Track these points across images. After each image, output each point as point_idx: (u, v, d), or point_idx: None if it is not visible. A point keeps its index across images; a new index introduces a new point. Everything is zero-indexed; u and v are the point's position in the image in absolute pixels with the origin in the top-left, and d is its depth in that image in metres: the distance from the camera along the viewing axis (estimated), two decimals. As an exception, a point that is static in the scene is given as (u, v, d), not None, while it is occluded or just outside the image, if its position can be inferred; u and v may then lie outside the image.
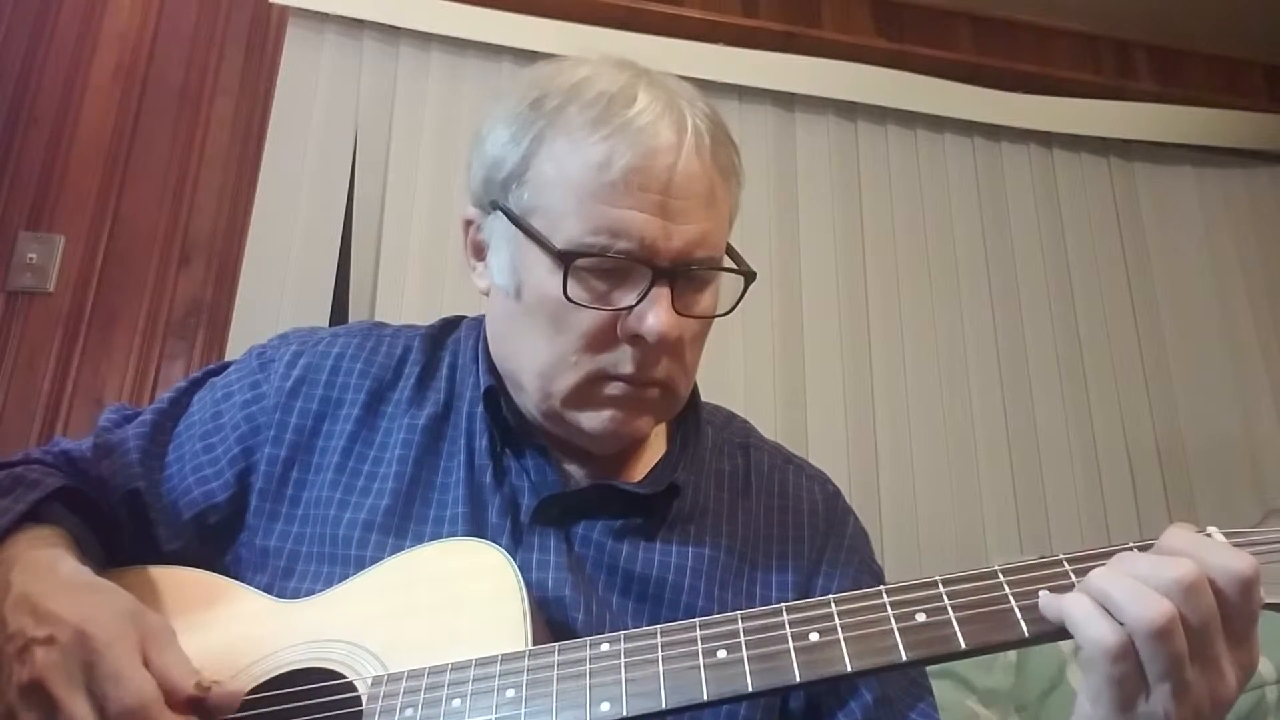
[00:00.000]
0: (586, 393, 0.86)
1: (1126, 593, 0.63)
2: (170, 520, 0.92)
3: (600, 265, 0.83)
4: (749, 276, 0.89)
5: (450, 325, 1.03)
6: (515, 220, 0.86)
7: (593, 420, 0.87)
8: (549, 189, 0.84)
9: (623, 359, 0.85)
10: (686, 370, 0.90)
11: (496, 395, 0.92)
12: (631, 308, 0.83)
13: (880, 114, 2.64)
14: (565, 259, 0.82)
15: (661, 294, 0.82)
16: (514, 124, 0.87)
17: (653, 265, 0.82)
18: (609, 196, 0.81)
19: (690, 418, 0.99)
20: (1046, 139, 2.75)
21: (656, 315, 0.82)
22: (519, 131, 0.86)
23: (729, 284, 0.91)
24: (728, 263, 0.90)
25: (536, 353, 0.87)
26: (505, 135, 0.88)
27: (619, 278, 0.83)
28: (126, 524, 0.92)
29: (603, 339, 0.84)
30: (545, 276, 0.84)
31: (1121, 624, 0.62)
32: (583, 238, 0.82)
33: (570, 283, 0.83)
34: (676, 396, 0.91)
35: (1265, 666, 1.47)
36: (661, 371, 0.86)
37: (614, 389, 0.86)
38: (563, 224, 0.83)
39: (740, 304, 0.91)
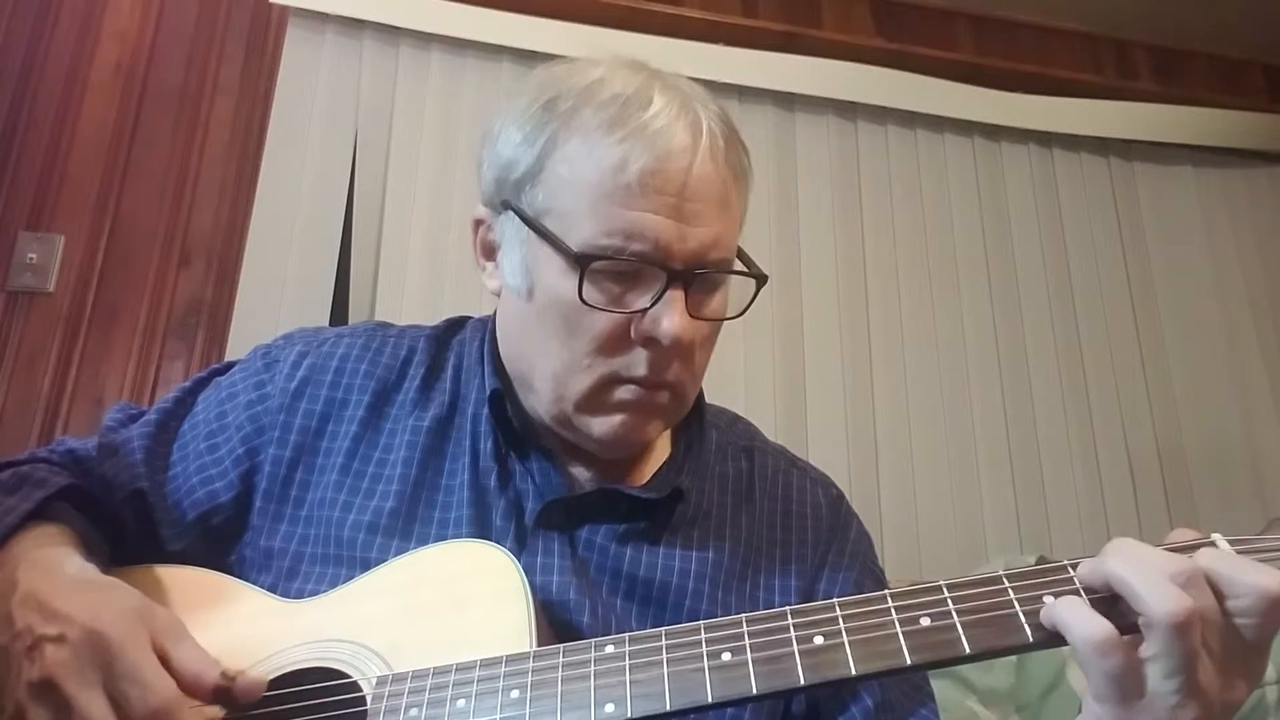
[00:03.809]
0: (599, 397, 0.86)
1: (1147, 583, 0.62)
2: (174, 520, 0.92)
3: (614, 268, 0.82)
4: (761, 279, 0.89)
5: (455, 325, 1.03)
6: (528, 221, 0.86)
7: (603, 426, 0.87)
8: (563, 191, 0.84)
9: (636, 361, 0.85)
10: (695, 374, 0.90)
11: (502, 398, 0.92)
12: (646, 310, 0.83)
13: (880, 114, 2.65)
14: (582, 261, 0.82)
15: (676, 296, 0.82)
16: (527, 125, 0.87)
17: (667, 268, 0.82)
18: (624, 199, 0.81)
19: (694, 421, 0.99)
20: (1046, 139, 2.76)
21: (671, 318, 0.82)
22: (532, 132, 0.86)
23: (737, 286, 0.90)
24: (740, 265, 0.90)
25: (550, 355, 0.87)
26: (518, 136, 0.87)
27: (633, 280, 0.83)
28: (131, 524, 0.92)
29: (616, 342, 0.84)
30: (559, 278, 0.84)
31: (1138, 615, 0.62)
32: (597, 240, 0.82)
33: (585, 285, 0.82)
34: (684, 400, 0.90)
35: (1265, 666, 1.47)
36: (672, 374, 0.86)
37: (625, 392, 0.86)
38: (577, 225, 0.83)
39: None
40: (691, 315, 0.84)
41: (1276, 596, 0.62)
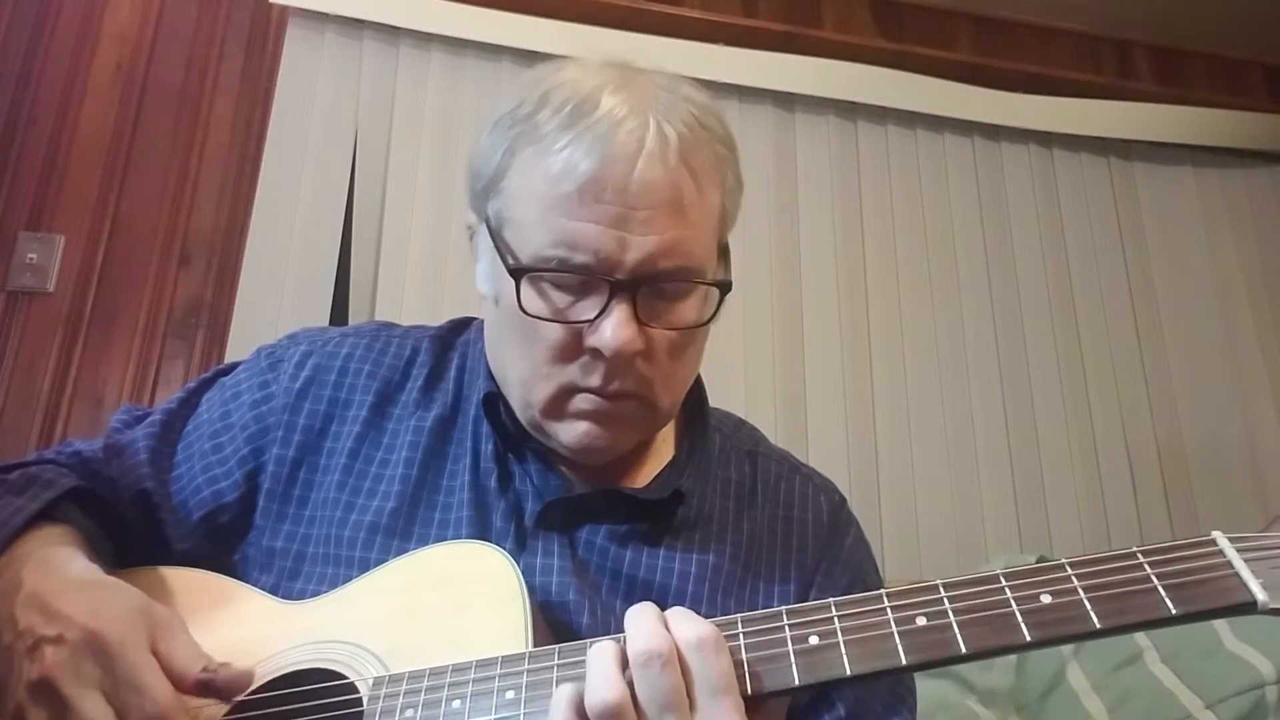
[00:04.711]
0: (560, 404, 0.86)
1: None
2: (180, 520, 0.92)
3: (560, 280, 0.82)
4: (723, 288, 0.86)
5: (460, 326, 1.03)
6: (490, 230, 0.87)
7: (568, 433, 0.87)
8: (518, 200, 0.84)
9: (589, 371, 0.84)
10: (668, 381, 0.87)
11: (495, 401, 0.92)
12: (592, 321, 0.81)
13: (880, 114, 2.65)
14: (515, 274, 0.82)
15: (619, 308, 0.81)
16: (494, 132, 0.87)
17: (610, 279, 0.81)
18: (566, 208, 0.80)
19: (697, 424, 0.99)
20: (1046, 139, 2.76)
21: (613, 330, 0.80)
22: (496, 140, 0.86)
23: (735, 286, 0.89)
24: (713, 270, 0.87)
25: (515, 362, 0.88)
26: (486, 144, 0.87)
27: (581, 290, 0.82)
28: (137, 524, 0.92)
29: (569, 351, 0.84)
30: (512, 288, 0.84)
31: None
32: (544, 251, 0.81)
33: (531, 295, 0.82)
34: (656, 409, 0.88)
35: (1265, 666, 1.46)
36: (632, 384, 0.84)
37: (584, 402, 0.85)
38: (530, 236, 0.82)
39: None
40: (647, 324, 0.82)
41: (701, 640, 0.66)
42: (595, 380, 0.83)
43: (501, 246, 0.85)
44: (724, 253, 0.90)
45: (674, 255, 0.82)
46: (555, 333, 0.83)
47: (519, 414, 0.90)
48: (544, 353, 0.84)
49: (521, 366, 0.87)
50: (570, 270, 0.81)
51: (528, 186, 0.83)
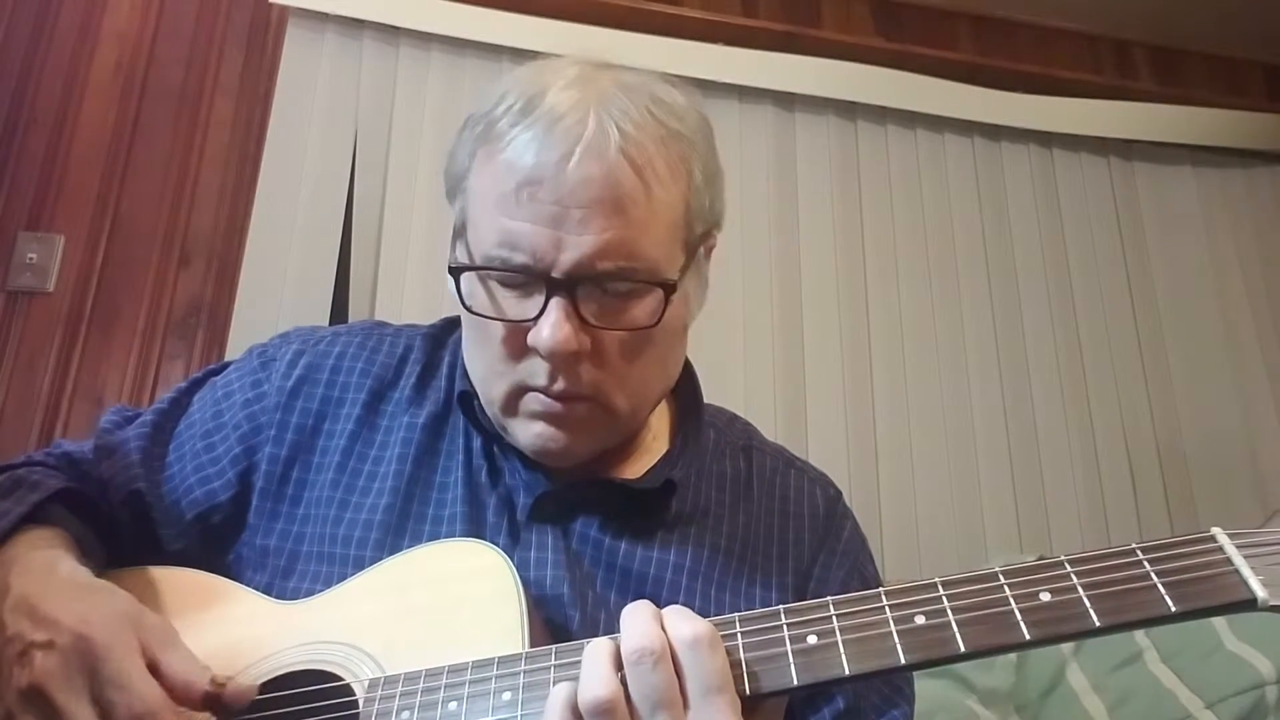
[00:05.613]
0: (513, 404, 0.86)
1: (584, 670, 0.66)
2: (173, 520, 0.92)
3: (505, 279, 0.82)
4: (666, 289, 0.83)
5: (452, 325, 1.03)
6: (455, 230, 0.88)
7: (524, 433, 0.86)
8: (474, 200, 0.84)
9: (536, 371, 0.83)
10: (623, 383, 0.85)
11: (469, 399, 0.92)
12: (534, 320, 0.81)
13: (880, 114, 2.64)
14: (452, 273, 0.84)
15: (555, 306, 0.80)
16: (462, 133, 0.88)
17: (547, 278, 0.80)
18: (507, 208, 0.80)
19: (692, 419, 0.98)
20: (1046, 139, 2.75)
21: (549, 330, 0.79)
22: (463, 141, 0.87)
23: (695, 292, 0.90)
24: (674, 269, 0.84)
25: (476, 360, 0.88)
26: (455, 145, 0.88)
27: (526, 289, 0.82)
28: (127, 525, 0.92)
29: (517, 350, 0.83)
30: (463, 286, 0.84)
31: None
32: (490, 250, 0.81)
33: (480, 294, 0.83)
34: (612, 412, 0.86)
35: (1265, 666, 1.46)
36: (581, 386, 0.83)
37: (534, 402, 0.85)
38: (482, 236, 0.83)
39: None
40: (593, 325, 0.81)
41: (696, 637, 0.65)
42: (541, 380, 0.83)
43: (460, 246, 0.85)
44: (693, 250, 0.88)
45: (614, 255, 0.80)
46: (503, 331, 0.83)
47: (487, 411, 0.90)
48: (496, 351, 0.84)
49: (480, 365, 0.87)
50: (510, 270, 0.81)
51: (481, 186, 0.83)
